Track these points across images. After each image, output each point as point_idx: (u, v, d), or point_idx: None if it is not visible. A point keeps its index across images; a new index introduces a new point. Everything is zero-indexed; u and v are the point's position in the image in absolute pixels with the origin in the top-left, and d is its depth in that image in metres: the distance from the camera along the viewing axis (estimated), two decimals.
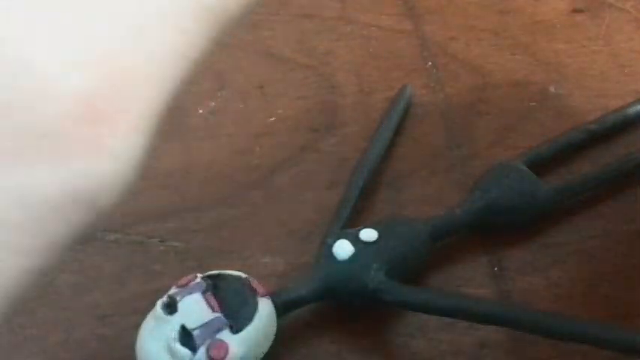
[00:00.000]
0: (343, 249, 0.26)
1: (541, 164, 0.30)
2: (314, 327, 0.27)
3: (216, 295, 0.24)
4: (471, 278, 0.28)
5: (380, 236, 0.26)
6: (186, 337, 0.23)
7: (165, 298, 0.24)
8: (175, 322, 0.24)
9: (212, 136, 0.32)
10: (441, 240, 0.28)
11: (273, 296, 0.25)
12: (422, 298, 0.26)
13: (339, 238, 0.26)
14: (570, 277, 0.28)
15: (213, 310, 0.24)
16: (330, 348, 0.26)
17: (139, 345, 0.24)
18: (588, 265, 0.28)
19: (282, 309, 0.25)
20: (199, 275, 0.25)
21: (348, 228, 0.27)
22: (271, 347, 0.25)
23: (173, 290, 0.25)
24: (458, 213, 0.28)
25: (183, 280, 0.25)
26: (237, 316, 0.24)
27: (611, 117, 0.31)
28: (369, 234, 0.26)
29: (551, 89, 0.33)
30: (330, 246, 0.26)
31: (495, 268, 0.28)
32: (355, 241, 0.26)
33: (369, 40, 0.35)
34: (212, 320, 0.24)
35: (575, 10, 0.36)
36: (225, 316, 0.24)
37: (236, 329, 0.24)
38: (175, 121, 0.32)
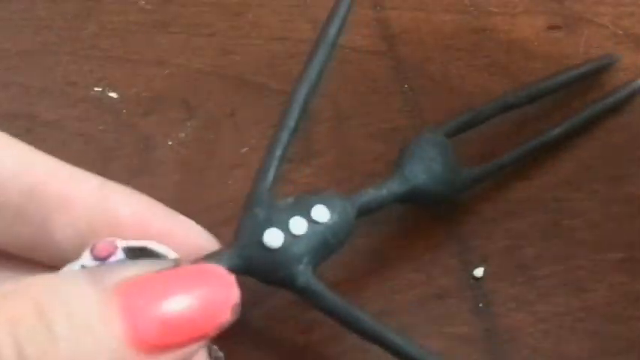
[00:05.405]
0: (274, 237, 0.24)
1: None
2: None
3: None
4: (455, 315, 0.27)
5: (309, 224, 0.25)
6: None
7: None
8: None
9: (182, 170, 0.31)
10: (366, 216, 0.27)
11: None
12: (340, 312, 0.25)
13: (269, 224, 0.25)
14: (557, 312, 0.27)
15: None
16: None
17: None
18: (576, 297, 0.27)
19: None
20: (120, 246, 0.22)
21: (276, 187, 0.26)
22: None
23: (89, 262, 0.22)
24: (384, 193, 0.27)
25: (102, 252, 0.22)
26: None
27: (532, 89, 0.32)
28: (298, 223, 0.25)
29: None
30: (258, 225, 0.25)
31: (480, 305, 0.27)
32: (285, 230, 0.25)
33: (342, 63, 0.34)
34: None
35: (552, 27, 0.35)
36: None
37: None
38: (143, 154, 0.31)
